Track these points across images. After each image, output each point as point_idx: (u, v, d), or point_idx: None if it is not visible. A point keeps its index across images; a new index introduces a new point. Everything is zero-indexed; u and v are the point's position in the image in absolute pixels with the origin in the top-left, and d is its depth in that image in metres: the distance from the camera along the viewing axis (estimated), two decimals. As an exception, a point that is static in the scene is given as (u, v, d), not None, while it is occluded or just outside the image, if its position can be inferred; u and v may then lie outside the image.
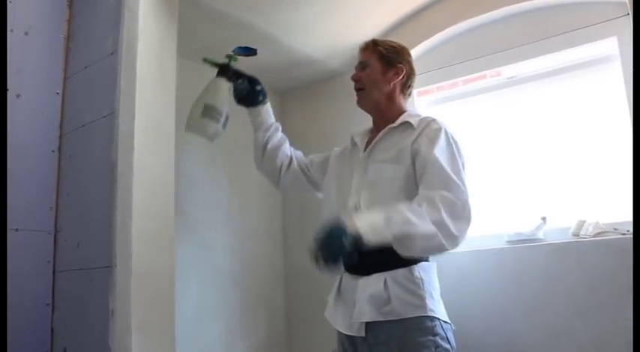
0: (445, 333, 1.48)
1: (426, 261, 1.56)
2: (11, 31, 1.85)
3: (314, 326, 2.60)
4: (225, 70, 1.73)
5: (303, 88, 2.89)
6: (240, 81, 1.77)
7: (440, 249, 1.41)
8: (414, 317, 1.45)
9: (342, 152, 1.83)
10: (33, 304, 1.79)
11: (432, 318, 1.46)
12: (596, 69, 2.11)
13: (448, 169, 1.47)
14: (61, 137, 1.94)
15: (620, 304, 1.74)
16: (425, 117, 1.64)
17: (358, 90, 1.73)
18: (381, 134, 1.66)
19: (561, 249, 1.93)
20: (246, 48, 2.40)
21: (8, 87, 1.81)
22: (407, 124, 1.62)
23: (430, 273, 1.55)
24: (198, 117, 1.67)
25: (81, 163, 1.86)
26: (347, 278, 1.62)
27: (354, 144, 1.78)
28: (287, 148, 1.91)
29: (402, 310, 1.46)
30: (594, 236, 1.89)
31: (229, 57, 1.73)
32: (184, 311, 2.09)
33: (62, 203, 1.89)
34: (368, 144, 1.70)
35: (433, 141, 1.52)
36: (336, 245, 1.33)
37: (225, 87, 1.72)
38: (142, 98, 1.71)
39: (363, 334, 1.50)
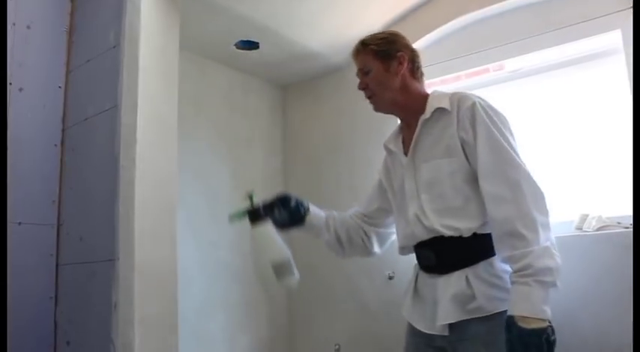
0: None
1: None
2: (13, 24, 1.85)
3: (316, 320, 2.61)
4: (257, 215, 1.55)
5: (305, 82, 2.88)
6: (276, 213, 1.62)
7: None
8: (501, 312, 1.35)
9: (385, 166, 1.71)
10: (36, 297, 1.79)
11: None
12: (599, 62, 2.10)
13: (515, 157, 1.39)
14: (63, 131, 1.95)
15: (623, 298, 1.73)
16: (453, 95, 1.51)
17: (369, 98, 1.61)
18: (417, 130, 1.53)
19: (564, 243, 1.91)
20: (248, 41, 2.41)
21: (11, 81, 1.81)
22: (440, 110, 1.50)
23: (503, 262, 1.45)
24: (276, 281, 1.50)
25: (83, 157, 1.86)
26: (423, 276, 1.54)
27: (390, 151, 1.68)
28: (354, 225, 1.74)
29: (489, 306, 1.37)
30: (597, 230, 1.88)
31: (250, 196, 1.56)
32: (187, 305, 2.09)
33: (65, 196, 1.89)
34: (405, 145, 1.61)
35: (474, 124, 1.42)
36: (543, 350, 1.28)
37: (270, 230, 1.54)
38: (145, 91, 1.71)
39: (446, 333, 1.42)
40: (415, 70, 1.60)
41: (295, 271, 1.52)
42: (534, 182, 1.37)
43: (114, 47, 1.82)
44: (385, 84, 1.57)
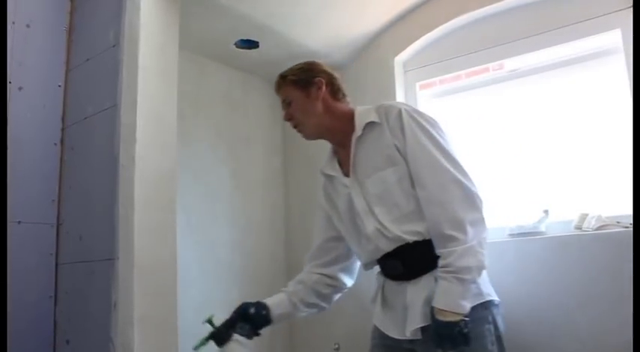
0: (496, 318, 1.45)
1: None
2: (13, 23, 1.85)
3: (316, 320, 2.60)
4: (221, 337, 1.56)
5: (305, 82, 2.88)
6: (238, 329, 1.60)
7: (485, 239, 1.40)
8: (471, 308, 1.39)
9: (325, 194, 1.72)
10: (36, 297, 1.79)
11: (486, 305, 1.44)
12: (599, 61, 2.10)
13: (441, 161, 1.42)
14: (63, 130, 1.95)
15: (622, 297, 1.74)
16: (379, 107, 1.55)
17: (296, 127, 1.65)
18: (353, 148, 1.56)
19: (563, 243, 1.93)
20: (247, 41, 2.41)
21: (10, 80, 1.81)
22: (370, 125, 1.53)
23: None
24: None
25: (83, 156, 1.86)
26: (390, 284, 1.56)
27: (328, 177, 1.69)
28: (316, 280, 1.71)
29: None
30: (597, 229, 1.88)
31: (209, 321, 1.58)
32: (186, 304, 2.09)
33: (64, 195, 1.89)
34: (343, 166, 1.63)
35: (404, 131, 1.47)
36: (456, 342, 1.33)
37: (238, 347, 1.56)
38: (144, 90, 1.71)
39: (419, 337, 1.44)
40: (336, 92, 1.63)
41: None
42: (463, 182, 1.40)
43: (113, 46, 1.82)
44: (308, 110, 1.60)
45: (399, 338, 1.49)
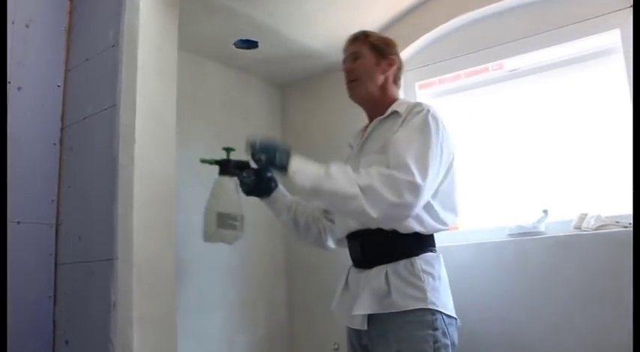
0: (446, 328, 1.45)
1: (431, 252, 1.54)
2: (12, 23, 1.85)
3: (315, 319, 2.61)
4: (226, 167, 1.60)
5: (304, 81, 2.88)
6: (245, 174, 1.65)
7: (363, 215, 1.38)
8: (414, 310, 1.43)
9: (345, 161, 1.77)
10: (35, 297, 1.79)
11: (434, 312, 1.43)
12: (598, 61, 2.10)
13: (407, 150, 1.42)
14: (62, 130, 1.94)
15: (621, 297, 1.74)
16: (413, 104, 1.60)
17: (352, 81, 1.69)
18: (371, 126, 1.66)
19: (563, 242, 1.93)
20: (247, 40, 2.41)
21: (10, 79, 1.81)
22: (395, 114, 1.60)
23: (434, 265, 1.51)
24: (215, 228, 1.57)
25: (82, 156, 1.86)
26: (353, 271, 1.61)
27: (350, 147, 1.79)
28: (315, 217, 1.81)
29: (403, 302, 1.44)
30: (596, 229, 1.89)
31: (227, 149, 1.59)
32: (186, 304, 2.09)
33: (64, 196, 1.89)
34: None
35: (406, 123, 1.52)
36: (269, 149, 1.46)
37: (232, 185, 1.60)
38: (144, 90, 1.71)
39: (365, 327, 1.49)
40: (397, 78, 1.72)
41: (239, 231, 1.57)
42: (407, 183, 1.38)
43: (113, 46, 1.81)
44: (371, 74, 1.66)
45: (350, 326, 1.55)
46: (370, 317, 1.48)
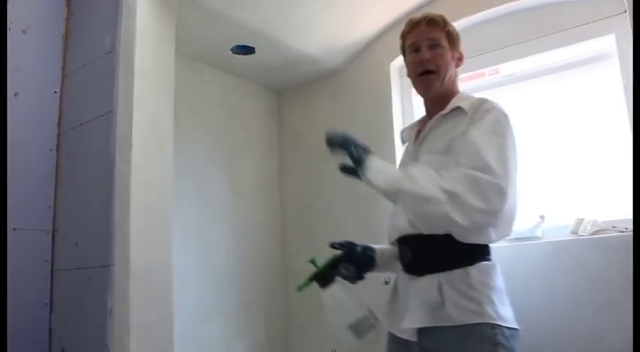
0: (508, 342, 1.32)
1: (487, 261, 1.42)
2: (9, 29, 1.85)
3: (313, 325, 2.60)
4: (323, 278, 1.48)
5: (301, 87, 2.88)
6: (342, 270, 1.50)
7: (448, 222, 1.29)
8: (472, 325, 1.31)
9: (402, 155, 1.71)
10: (31, 303, 1.78)
11: (493, 325, 1.31)
12: (594, 66, 2.11)
13: (487, 152, 1.32)
14: (59, 135, 1.94)
15: (618, 302, 1.74)
16: (477, 100, 1.49)
17: (428, 73, 1.53)
18: (431, 122, 1.53)
19: (559, 248, 1.93)
20: (243, 46, 2.42)
21: (7, 85, 1.81)
22: (458, 110, 1.48)
23: (491, 275, 1.39)
24: (356, 340, 1.43)
25: (79, 162, 1.86)
26: (403, 277, 1.50)
27: (403, 140, 1.70)
28: None
29: (458, 316, 1.32)
30: (593, 234, 1.89)
31: (312, 262, 1.50)
32: (183, 310, 2.09)
33: (60, 201, 1.88)
34: (418, 135, 1.59)
35: (477, 122, 1.40)
36: (345, 144, 1.38)
37: (340, 290, 1.47)
38: (140, 96, 1.71)
39: (415, 339, 1.39)
40: (459, 72, 1.63)
41: (378, 323, 1.44)
42: (493, 185, 1.29)
43: (110, 52, 1.81)
44: (449, 68, 1.55)
45: (399, 336, 1.45)
46: (421, 328, 1.38)
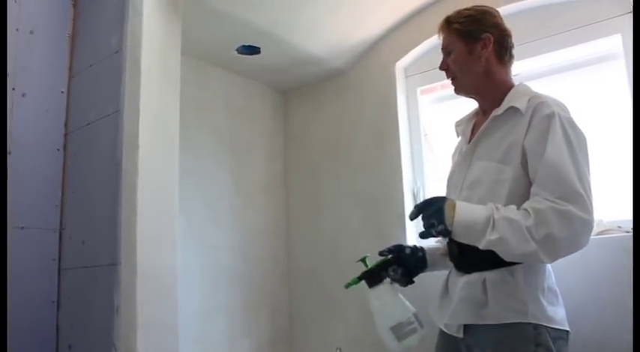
0: (552, 343, 1.29)
1: None
2: (17, 30, 1.86)
3: (318, 324, 2.61)
4: (371, 277, 1.46)
5: (306, 87, 2.89)
6: (391, 272, 1.49)
7: (536, 259, 1.28)
8: (514, 324, 1.30)
9: (455, 147, 1.66)
10: (38, 302, 1.80)
11: (536, 326, 1.30)
12: (599, 66, 2.10)
13: (569, 173, 1.28)
14: (66, 135, 1.96)
15: (623, 302, 1.74)
16: (533, 98, 1.40)
17: (450, 79, 1.53)
18: (485, 124, 1.45)
19: (565, 247, 1.93)
20: (249, 46, 2.42)
21: (14, 86, 1.82)
22: (513, 110, 1.40)
23: (538, 274, 1.37)
24: (397, 344, 1.42)
25: (86, 161, 1.87)
26: (453, 273, 1.49)
27: (457, 133, 1.65)
28: None
29: (501, 314, 1.31)
30: (598, 234, 1.89)
31: (362, 260, 1.48)
32: (188, 309, 2.10)
33: (67, 201, 1.90)
34: (473, 132, 1.54)
35: (545, 134, 1.31)
36: (427, 217, 1.30)
37: (388, 291, 1.46)
38: (147, 96, 1.72)
39: (461, 335, 1.39)
40: (503, 53, 1.48)
41: (421, 327, 1.42)
42: (585, 221, 1.27)
43: (116, 52, 1.83)
44: (467, 68, 1.48)
45: (447, 331, 1.44)
46: (467, 325, 1.38)
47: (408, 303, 1.46)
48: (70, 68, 2.01)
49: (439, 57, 2.42)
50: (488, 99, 1.50)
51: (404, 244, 1.56)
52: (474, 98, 1.57)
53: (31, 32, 1.91)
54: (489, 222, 1.27)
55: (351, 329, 2.47)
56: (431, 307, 1.56)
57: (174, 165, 1.79)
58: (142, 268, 1.61)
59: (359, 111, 2.62)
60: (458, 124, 1.65)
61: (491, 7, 1.55)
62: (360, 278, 1.47)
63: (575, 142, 1.33)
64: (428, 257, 1.56)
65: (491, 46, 1.46)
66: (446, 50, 1.52)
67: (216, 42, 2.36)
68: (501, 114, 1.43)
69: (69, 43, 2.03)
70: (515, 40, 2.20)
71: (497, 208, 1.30)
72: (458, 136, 1.65)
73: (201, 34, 2.26)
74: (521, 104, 1.39)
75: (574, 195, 1.26)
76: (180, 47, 1.89)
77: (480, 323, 1.35)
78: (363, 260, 1.49)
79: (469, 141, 1.52)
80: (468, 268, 1.41)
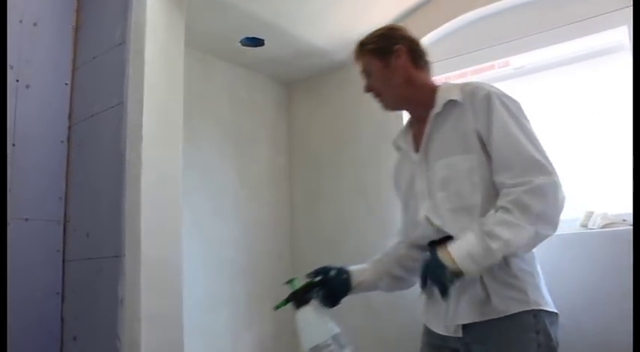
0: (549, 328, 1.34)
1: None
2: (20, 21, 1.86)
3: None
4: (296, 299, 1.50)
5: (310, 79, 2.88)
6: (314, 293, 1.51)
7: (545, 237, 1.31)
8: (514, 314, 1.32)
9: (395, 166, 1.65)
10: (43, 293, 1.80)
11: (536, 313, 1.33)
12: (605, 59, 2.09)
13: (522, 143, 1.32)
14: (70, 127, 1.96)
15: (627, 295, 1.73)
16: (465, 86, 1.44)
17: (377, 97, 1.56)
18: (429, 126, 1.46)
19: (569, 241, 1.93)
20: (253, 38, 2.42)
21: (18, 78, 1.82)
22: (451, 103, 1.43)
23: (530, 262, 1.40)
24: None
25: (90, 153, 1.87)
26: None
27: (399, 148, 1.62)
28: (403, 255, 1.60)
29: (504, 307, 1.33)
30: (602, 227, 1.88)
31: (289, 282, 1.52)
32: (192, 301, 2.11)
33: (71, 193, 1.90)
34: (416, 141, 1.54)
35: (490, 114, 1.36)
36: (438, 282, 1.27)
37: (311, 313, 1.49)
38: (151, 88, 1.72)
39: (460, 335, 1.38)
40: (417, 60, 1.53)
41: (342, 348, 1.44)
42: (550, 170, 1.30)
43: (120, 44, 1.82)
44: (388, 81, 1.51)
45: (441, 333, 1.44)
46: (465, 324, 1.38)
47: (331, 325, 1.46)
48: (74, 60, 2.01)
49: (444, 49, 2.44)
50: (418, 104, 1.52)
51: (330, 266, 1.57)
52: (405, 109, 1.60)
53: (35, 24, 1.91)
54: (484, 237, 1.27)
55: (354, 323, 2.47)
56: (420, 311, 1.56)
57: (177, 157, 1.79)
58: (147, 260, 1.61)
59: (363, 104, 2.61)
60: (397, 139, 1.64)
61: (397, 24, 1.64)
62: (287, 300, 1.50)
63: (516, 113, 1.38)
64: (353, 280, 1.56)
65: (404, 56, 1.51)
66: (366, 72, 1.57)
67: (219, 34, 2.35)
68: (441, 110, 1.45)
69: (72, 35, 2.02)
70: (520, 32, 2.21)
71: (479, 224, 1.30)
72: (400, 150, 1.63)
73: (205, 26, 2.25)
74: (456, 95, 1.43)
75: (534, 165, 1.30)
76: (184, 39, 1.88)
77: (485, 319, 1.34)
78: (291, 281, 1.52)
79: (416, 149, 1.53)
80: None
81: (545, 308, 1.35)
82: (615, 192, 1.97)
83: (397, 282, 1.61)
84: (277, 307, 1.51)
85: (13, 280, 1.66)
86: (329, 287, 1.52)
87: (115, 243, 1.67)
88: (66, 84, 1.98)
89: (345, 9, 2.32)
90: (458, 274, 1.27)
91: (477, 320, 1.35)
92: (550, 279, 1.91)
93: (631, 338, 1.64)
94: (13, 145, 1.78)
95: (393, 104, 1.57)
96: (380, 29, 1.59)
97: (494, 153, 1.35)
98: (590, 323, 1.82)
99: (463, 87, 1.44)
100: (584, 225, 1.94)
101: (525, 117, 1.40)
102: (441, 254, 1.28)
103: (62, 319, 1.82)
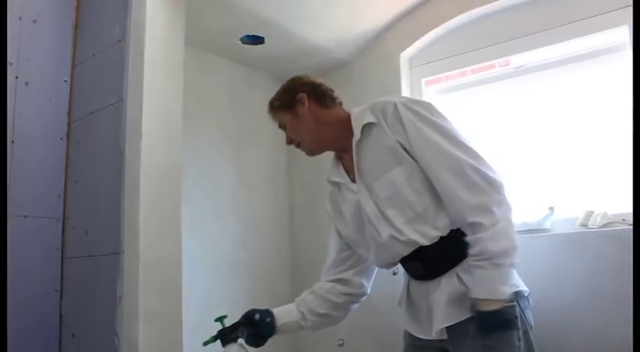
0: (523, 312, 1.39)
1: None
2: (20, 18, 1.86)
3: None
4: (224, 337, 1.56)
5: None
6: (239, 333, 1.56)
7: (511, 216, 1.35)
8: None
9: (331, 201, 1.68)
10: (42, 290, 1.81)
11: (514, 297, 1.35)
12: (606, 58, 2.09)
13: (441, 145, 1.36)
14: (69, 125, 1.96)
15: (626, 295, 1.73)
16: (374, 106, 1.49)
17: (298, 147, 1.63)
18: (355, 154, 1.50)
19: (569, 240, 1.92)
20: (253, 36, 2.41)
21: (17, 75, 1.82)
22: (368, 126, 1.47)
23: None
24: None
25: (89, 151, 1.87)
26: (415, 283, 1.52)
27: (335, 184, 1.65)
28: (329, 288, 1.65)
29: None
30: (602, 226, 1.88)
31: (219, 319, 1.59)
32: (191, 299, 2.10)
33: (70, 190, 1.90)
34: (349, 172, 1.58)
35: (403, 125, 1.40)
36: (503, 327, 1.31)
37: (239, 350, 1.55)
38: (150, 86, 1.72)
39: (445, 336, 1.39)
40: (321, 100, 1.58)
41: None
42: (478, 168, 1.34)
43: (119, 41, 1.82)
44: (301, 129, 1.57)
45: (425, 338, 1.45)
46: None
47: None
48: (73, 57, 2.01)
49: (445, 48, 2.44)
50: (338, 140, 1.56)
51: (256, 309, 1.61)
52: (328, 149, 1.64)
53: (34, 21, 1.91)
54: (478, 261, 1.30)
55: (354, 320, 2.46)
56: (400, 318, 1.57)
57: (177, 154, 1.79)
58: (145, 257, 1.62)
59: (363, 103, 2.59)
60: (330, 176, 1.66)
61: (298, 75, 1.68)
62: (215, 338, 1.56)
63: (426, 114, 1.40)
64: (277, 323, 1.61)
65: (307, 102, 1.56)
66: (282, 127, 1.63)
67: (220, 31, 2.35)
68: (360, 136, 1.48)
69: (72, 32, 2.02)
70: (521, 31, 2.21)
71: (468, 256, 1.32)
72: (336, 186, 1.64)
73: (205, 24, 2.25)
74: (368, 118, 1.47)
75: (472, 175, 1.33)
76: (184, 37, 1.88)
77: (468, 316, 1.35)
78: (220, 319, 1.58)
79: (353, 180, 1.55)
80: (436, 274, 1.43)
81: (520, 289, 1.40)
82: (615, 192, 1.97)
83: (323, 320, 1.67)
84: (205, 343, 1.56)
85: (12, 277, 1.66)
86: (254, 327, 1.57)
87: (114, 240, 1.67)
88: (65, 81, 1.98)
89: (346, 7, 2.32)
90: (505, 305, 1.30)
91: (462, 318, 1.36)
92: (550, 278, 1.92)
93: (630, 336, 1.64)
94: (13, 142, 1.78)
95: (314, 148, 1.61)
96: (283, 84, 1.66)
97: (420, 161, 1.39)
98: (589, 321, 1.82)
99: (372, 107, 1.49)
100: (584, 225, 1.94)
101: (438, 115, 1.42)
102: (482, 308, 1.30)
103: (61, 316, 1.83)
